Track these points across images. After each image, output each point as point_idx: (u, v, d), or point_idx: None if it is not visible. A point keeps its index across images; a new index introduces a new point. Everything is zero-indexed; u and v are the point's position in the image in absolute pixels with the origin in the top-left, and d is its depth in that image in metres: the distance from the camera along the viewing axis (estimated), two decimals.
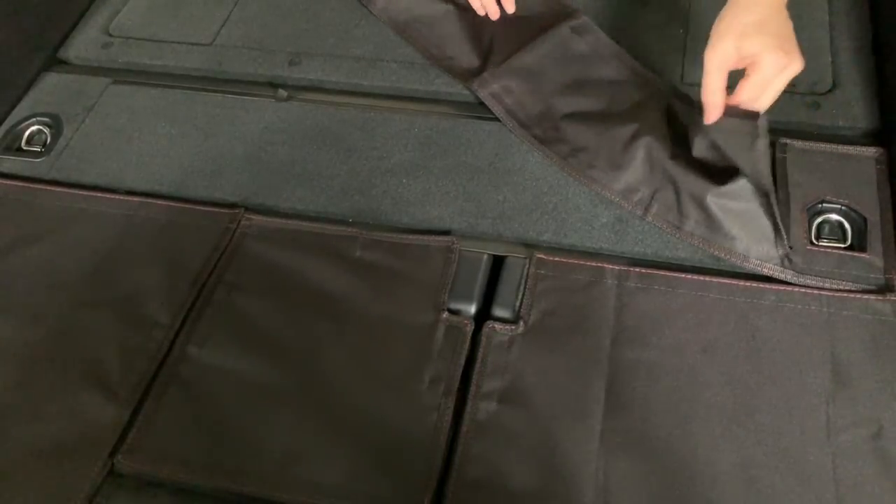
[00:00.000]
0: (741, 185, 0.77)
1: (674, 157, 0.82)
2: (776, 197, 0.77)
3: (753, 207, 0.77)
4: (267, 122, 0.97)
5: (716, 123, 0.75)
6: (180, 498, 0.70)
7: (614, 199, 0.84)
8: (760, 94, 0.72)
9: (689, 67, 0.94)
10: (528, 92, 0.92)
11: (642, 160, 0.83)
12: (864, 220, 0.79)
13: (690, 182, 0.81)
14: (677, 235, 0.80)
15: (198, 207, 0.90)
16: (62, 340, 0.80)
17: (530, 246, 0.82)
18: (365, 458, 0.70)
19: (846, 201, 0.80)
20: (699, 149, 0.79)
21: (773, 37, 0.71)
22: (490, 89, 0.93)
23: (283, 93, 0.99)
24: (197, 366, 0.77)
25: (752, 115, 0.73)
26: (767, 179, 0.76)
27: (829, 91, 0.89)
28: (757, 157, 0.75)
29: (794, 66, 0.71)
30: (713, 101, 0.74)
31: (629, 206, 0.83)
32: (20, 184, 0.95)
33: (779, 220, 0.77)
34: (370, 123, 0.95)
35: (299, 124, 0.96)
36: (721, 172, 0.79)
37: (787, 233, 0.78)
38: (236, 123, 0.97)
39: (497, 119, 0.92)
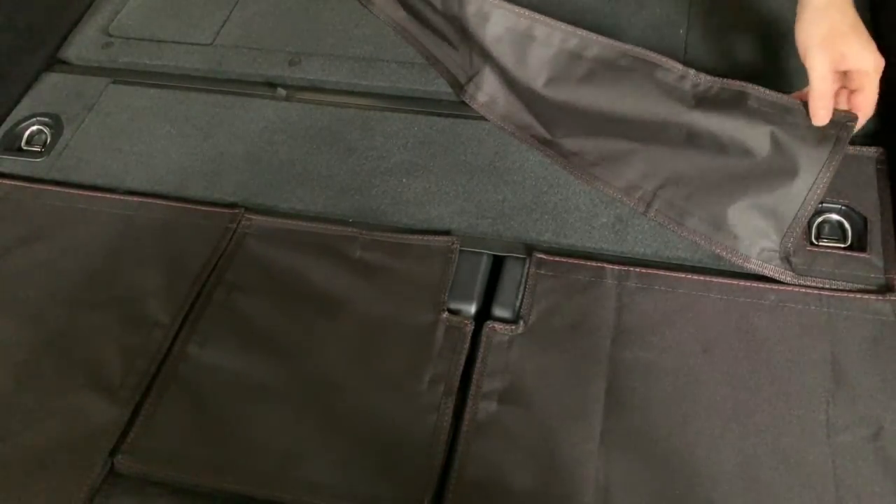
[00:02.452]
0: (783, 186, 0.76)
1: (682, 151, 0.82)
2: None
3: (773, 205, 0.77)
4: (267, 122, 0.97)
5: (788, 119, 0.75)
6: (180, 498, 0.70)
7: (616, 197, 0.84)
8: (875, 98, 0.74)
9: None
10: (515, 100, 0.91)
11: (644, 157, 0.83)
12: (864, 220, 0.79)
13: (701, 176, 0.80)
14: (680, 232, 0.80)
15: (198, 207, 0.90)
16: (62, 340, 0.80)
17: (530, 246, 0.82)
18: (365, 457, 0.70)
19: (846, 201, 0.80)
20: (743, 141, 0.77)
21: (868, 39, 0.73)
22: (479, 100, 0.93)
23: (282, 91, 0.99)
24: (197, 366, 0.77)
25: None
26: (821, 180, 0.75)
27: None
28: (823, 156, 0.74)
29: (882, 64, 0.73)
30: (826, 106, 0.73)
31: (631, 203, 0.83)
32: (20, 184, 0.95)
33: (799, 221, 0.76)
34: (370, 123, 0.95)
35: (299, 124, 0.96)
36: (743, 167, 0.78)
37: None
38: (236, 123, 0.97)
39: None
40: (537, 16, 0.86)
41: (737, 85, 0.78)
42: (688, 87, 0.80)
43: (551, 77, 0.86)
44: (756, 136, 0.76)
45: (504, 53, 0.88)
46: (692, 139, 0.80)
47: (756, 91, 0.76)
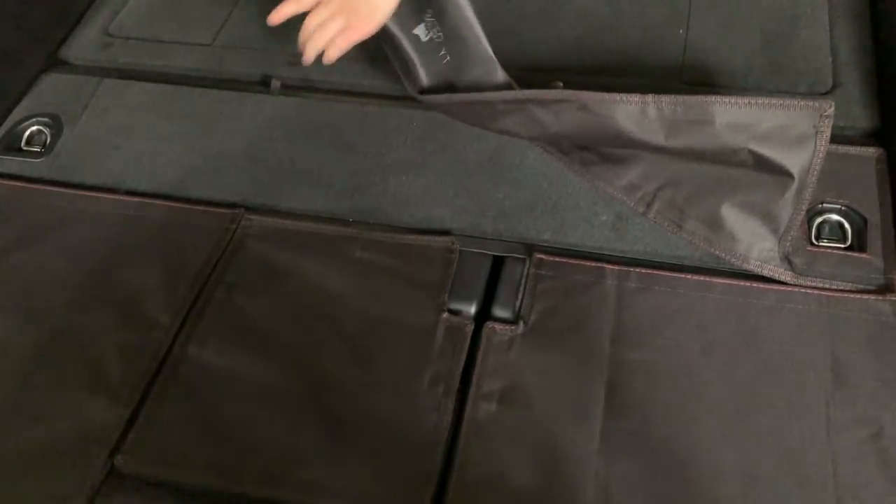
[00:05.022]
0: (770, 183, 0.75)
1: (679, 158, 0.81)
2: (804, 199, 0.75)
3: (768, 207, 0.76)
4: (265, 119, 0.97)
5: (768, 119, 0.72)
6: (180, 498, 0.70)
7: (616, 196, 0.84)
8: None
9: (690, 67, 0.94)
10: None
11: (645, 159, 0.83)
12: (864, 220, 0.79)
13: (699, 179, 0.80)
14: (678, 234, 0.80)
15: (198, 207, 0.90)
16: (62, 340, 0.80)
17: (530, 246, 0.82)
18: (365, 457, 0.70)
19: (846, 201, 0.80)
20: (728, 142, 0.74)
21: None
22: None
23: (276, 83, 0.99)
24: (197, 366, 0.77)
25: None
26: (810, 180, 0.73)
27: (829, 91, 0.89)
28: (807, 155, 0.72)
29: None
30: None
31: (632, 203, 0.83)
32: (20, 184, 0.95)
33: (794, 222, 0.76)
34: (369, 119, 0.95)
35: (298, 120, 0.96)
36: (738, 171, 0.77)
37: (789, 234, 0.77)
38: (234, 120, 0.97)
39: None
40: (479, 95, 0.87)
41: (699, 100, 0.74)
42: (653, 116, 0.76)
43: (530, 124, 0.86)
44: (735, 154, 0.75)
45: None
46: (682, 154, 0.79)
47: (720, 104, 0.73)
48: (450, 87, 0.92)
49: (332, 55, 0.86)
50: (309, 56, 0.86)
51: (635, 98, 0.75)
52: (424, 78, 0.92)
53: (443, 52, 0.91)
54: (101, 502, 0.70)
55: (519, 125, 0.87)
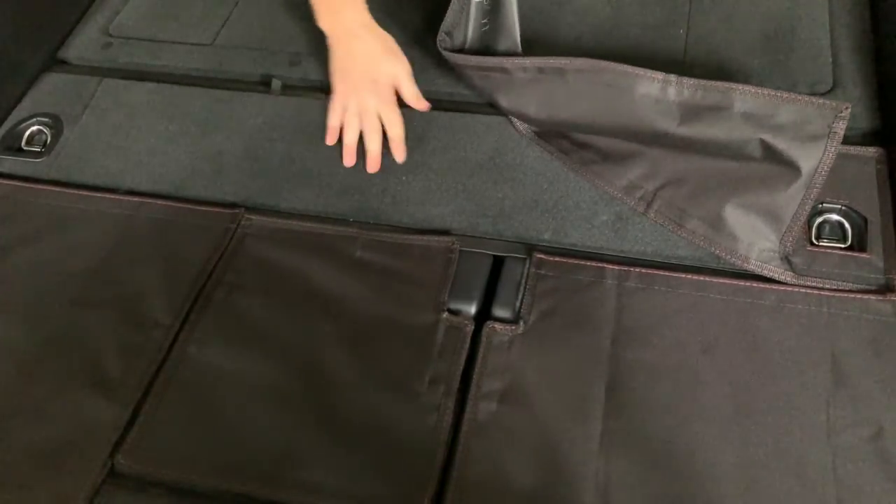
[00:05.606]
0: (776, 179, 0.76)
1: (681, 154, 0.81)
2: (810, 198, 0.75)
3: (771, 204, 0.76)
4: (265, 118, 0.97)
5: (782, 115, 0.73)
6: (180, 498, 0.70)
7: (616, 196, 0.84)
8: None
9: (690, 67, 0.94)
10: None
11: (646, 157, 0.83)
12: (864, 220, 0.79)
13: (702, 177, 0.80)
14: (678, 233, 0.80)
15: (198, 207, 0.90)
16: (62, 340, 0.80)
17: (530, 245, 0.82)
18: (365, 458, 0.70)
19: (846, 201, 0.80)
20: (732, 136, 0.76)
21: None
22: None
23: (277, 83, 0.99)
24: (197, 366, 0.77)
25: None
26: (818, 180, 0.74)
27: (829, 91, 0.89)
28: (817, 153, 0.73)
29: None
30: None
31: (632, 203, 0.83)
32: (20, 184, 0.95)
33: (796, 221, 0.76)
34: None
35: (297, 119, 0.96)
36: (743, 167, 0.77)
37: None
38: (234, 119, 0.98)
39: (497, 113, 0.92)
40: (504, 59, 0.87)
41: (720, 86, 0.75)
42: (672, 97, 0.77)
43: (541, 101, 0.86)
44: (747, 144, 0.75)
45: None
46: (688, 145, 0.79)
47: (740, 92, 0.74)
48: (480, 55, 0.92)
49: (399, 156, 0.91)
50: (373, 167, 0.90)
51: (658, 75, 0.77)
52: (469, 37, 0.92)
53: (485, 20, 0.92)
54: (101, 502, 0.70)
55: (532, 100, 0.86)
